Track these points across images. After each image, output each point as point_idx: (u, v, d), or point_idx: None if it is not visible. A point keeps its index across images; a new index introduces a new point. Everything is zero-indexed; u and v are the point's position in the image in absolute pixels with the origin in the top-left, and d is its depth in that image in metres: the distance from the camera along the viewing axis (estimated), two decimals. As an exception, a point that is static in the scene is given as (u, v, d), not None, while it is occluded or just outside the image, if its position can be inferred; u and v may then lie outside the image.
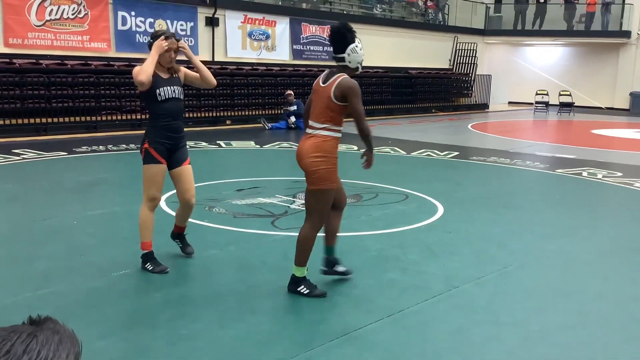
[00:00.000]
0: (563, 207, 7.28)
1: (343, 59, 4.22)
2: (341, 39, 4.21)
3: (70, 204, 6.64)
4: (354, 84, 4.14)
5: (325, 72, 4.29)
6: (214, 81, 4.75)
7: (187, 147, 4.84)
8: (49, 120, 12.31)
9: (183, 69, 4.74)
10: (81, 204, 6.59)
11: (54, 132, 12.11)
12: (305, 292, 4.14)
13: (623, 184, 8.70)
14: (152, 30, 14.68)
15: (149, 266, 4.55)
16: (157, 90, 4.47)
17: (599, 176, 9.26)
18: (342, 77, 4.14)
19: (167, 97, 4.50)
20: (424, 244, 5.54)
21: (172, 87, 4.53)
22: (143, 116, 13.84)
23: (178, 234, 5.01)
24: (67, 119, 12.57)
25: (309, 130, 4.19)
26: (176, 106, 4.57)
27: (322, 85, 4.17)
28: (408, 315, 3.93)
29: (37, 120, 12.17)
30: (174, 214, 6.20)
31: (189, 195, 4.72)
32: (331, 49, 4.31)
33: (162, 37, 4.51)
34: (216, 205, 6.65)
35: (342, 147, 12.29)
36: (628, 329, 3.89)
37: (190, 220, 6.00)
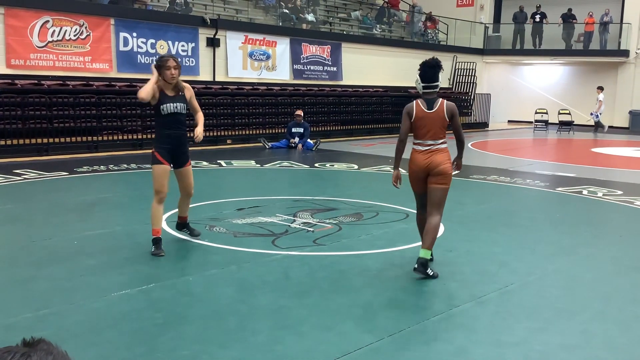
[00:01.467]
0: (564, 226, 7.27)
1: (437, 87, 5.34)
2: (438, 71, 5.34)
3: (70, 224, 6.64)
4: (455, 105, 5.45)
5: (419, 100, 5.31)
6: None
7: (187, 149, 5.71)
8: (51, 140, 12.36)
9: (190, 90, 5.65)
10: (82, 224, 6.59)
11: (55, 152, 12.15)
12: (432, 274, 4.98)
13: (623, 202, 8.70)
14: (153, 51, 14.82)
15: (152, 249, 5.42)
16: (162, 106, 5.39)
17: (599, 194, 9.26)
18: (446, 101, 5.34)
19: (169, 111, 5.42)
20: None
21: (175, 104, 5.44)
22: (144, 136, 13.92)
23: (183, 224, 5.95)
24: (68, 139, 12.63)
25: (428, 146, 5.25)
26: (177, 119, 5.48)
27: (430, 111, 5.25)
28: (409, 335, 3.91)
29: (39, 140, 12.22)
30: (174, 232, 6.21)
31: (189, 189, 5.80)
32: (421, 80, 5.34)
33: (167, 60, 5.41)
34: (217, 224, 6.65)
35: (342, 166, 12.32)
36: (631, 349, 3.87)
37: (190, 239, 6.01)
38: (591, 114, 22.81)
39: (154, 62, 5.53)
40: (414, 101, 5.33)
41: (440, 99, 5.29)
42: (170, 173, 5.65)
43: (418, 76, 5.34)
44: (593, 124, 22.69)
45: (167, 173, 5.55)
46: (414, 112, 5.26)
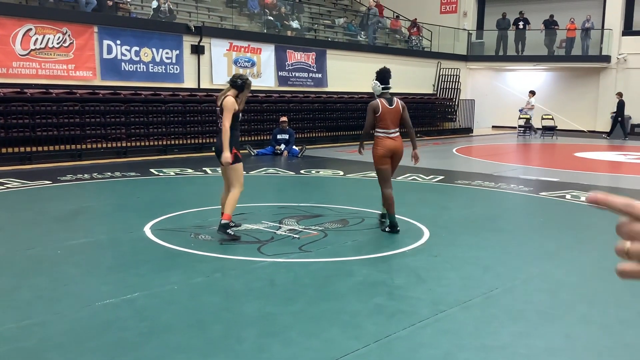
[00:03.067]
0: (547, 230, 7.33)
1: (389, 88, 6.87)
2: (390, 76, 6.87)
3: (54, 233, 6.58)
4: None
5: (382, 99, 6.75)
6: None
7: None
8: (34, 149, 12.26)
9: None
10: (65, 233, 6.54)
11: (38, 161, 12.05)
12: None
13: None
14: (137, 59, 14.75)
15: (228, 231, 6.27)
16: (239, 114, 6.46)
17: (582, 199, 9.35)
18: (399, 99, 6.85)
19: (239, 119, 6.53)
20: (410, 268, 5.54)
21: (240, 112, 6.52)
22: (128, 144, 13.85)
23: (224, 224, 6.37)
24: (51, 148, 12.53)
25: (394, 133, 6.83)
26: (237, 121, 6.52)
27: (391, 107, 6.75)
28: (395, 341, 3.92)
29: (22, 149, 12.12)
30: (159, 241, 6.18)
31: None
32: (376, 82, 6.90)
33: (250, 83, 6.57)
34: (202, 232, 6.63)
35: (328, 173, 12.34)
36: (614, 353, 3.91)
37: (175, 247, 5.99)
38: (521, 110, 23.20)
39: (236, 80, 6.39)
40: (378, 100, 6.74)
41: (395, 98, 6.77)
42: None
43: (376, 80, 6.83)
44: (526, 124, 23.06)
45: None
46: (380, 108, 6.68)
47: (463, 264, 5.71)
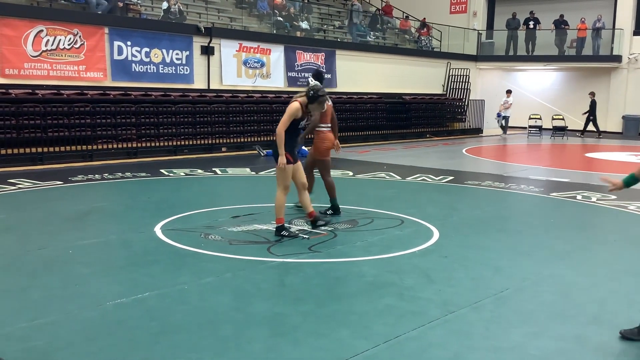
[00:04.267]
0: (558, 231, 7.30)
1: None
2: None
3: (65, 233, 6.63)
4: None
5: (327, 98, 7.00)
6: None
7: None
8: (45, 149, 12.35)
9: (329, 104, 7.22)
10: (76, 233, 6.58)
11: (49, 162, 12.13)
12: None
13: (617, 207, 8.74)
14: (147, 60, 14.82)
15: (284, 232, 6.45)
16: (302, 122, 6.56)
17: (593, 199, 9.30)
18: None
19: (302, 126, 6.65)
20: (420, 269, 5.53)
21: (304, 120, 6.66)
22: (139, 144, 13.92)
23: (314, 219, 6.86)
24: (63, 148, 12.62)
25: (329, 128, 7.62)
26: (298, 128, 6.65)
27: (329, 104, 7.42)
28: (405, 342, 3.92)
29: (33, 149, 12.21)
30: (169, 241, 6.21)
31: (303, 180, 6.72)
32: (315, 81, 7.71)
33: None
34: (212, 232, 6.65)
35: (337, 173, 12.31)
36: (625, 354, 3.88)
37: (185, 247, 6.02)
38: (498, 114, 23.39)
39: (310, 91, 6.46)
40: None
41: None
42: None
43: (317, 81, 7.66)
44: (500, 125, 23.28)
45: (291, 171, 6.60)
46: (326, 106, 7.29)
47: (473, 264, 5.70)
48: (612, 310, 4.61)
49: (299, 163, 6.62)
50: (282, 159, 6.33)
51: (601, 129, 24.35)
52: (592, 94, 23.11)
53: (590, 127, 22.99)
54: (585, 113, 23.16)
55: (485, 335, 4.07)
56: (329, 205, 7.77)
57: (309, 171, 7.73)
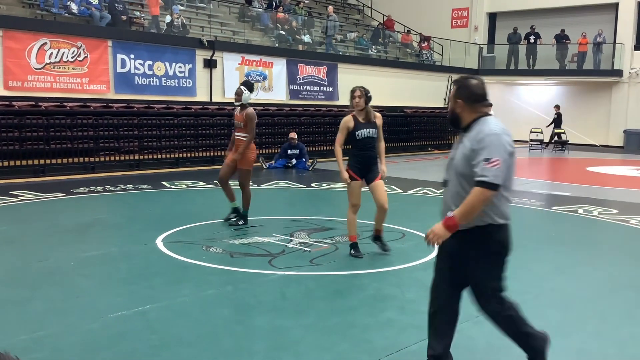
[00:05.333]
0: (560, 245, 7.29)
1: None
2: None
3: (67, 245, 6.63)
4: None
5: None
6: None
7: (376, 167, 6.36)
8: (48, 161, 12.38)
9: (381, 119, 6.43)
10: (78, 245, 6.59)
11: (52, 174, 12.16)
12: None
13: (619, 221, 8.73)
14: (150, 73, 14.90)
15: (352, 252, 6.30)
16: (357, 132, 6.21)
17: (595, 213, 9.30)
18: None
19: (363, 136, 6.22)
20: (422, 282, 5.52)
21: (367, 129, 6.23)
22: (141, 157, 13.96)
23: (376, 237, 6.50)
24: (65, 160, 12.65)
25: (245, 136, 7.80)
26: (368, 142, 6.25)
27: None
28: (406, 355, 3.91)
29: (36, 161, 12.24)
30: (170, 253, 6.21)
31: (382, 202, 6.30)
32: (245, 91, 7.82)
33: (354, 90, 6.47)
34: (213, 244, 6.65)
35: (339, 186, 12.25)
36: (627, 368, 3.87)
37: (187, 260, 6.01)
38: None
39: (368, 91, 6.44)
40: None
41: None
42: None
43: (248, 91, 7.73)
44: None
45: (360, 188, 6.31)
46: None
47: (474, 278, 5.68)
48: (613, 324, 4.60)
49: (378, 182, 6.28)
50: (342, 175, 6.21)
51: (603, 143, 24.38)
52: (557, 107, 23.49)
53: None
54: (548, 126, 23.32)
55: (487, 349, 4.06)
56: (232, 211, 7.86)
57: (226, 179, 7.85)
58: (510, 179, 3.28)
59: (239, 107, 7.82)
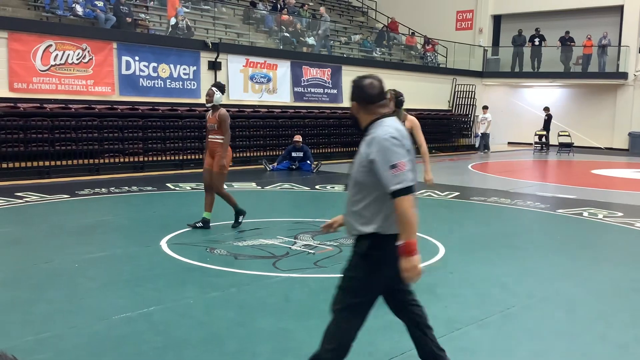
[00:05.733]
0: (564, 248, 7.27)
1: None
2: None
3: (71, 246, 6.65)
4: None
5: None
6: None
7: None
8: (52, 163, 12.41)
9: (410, 119, 6.27)
10: (82, 247, 6.60)
11: (57, 175, 12.19)
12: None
13: (624, 224, 8.70)
14: (155, 75, 14.93)
15: None
16: None
17: (600, 216, 9.27)
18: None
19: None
20: (426, 284, 5.50)
21: None
22: (145, 158, 13.98)
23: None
24: (70, 162, 12.68)
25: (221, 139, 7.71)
26: None
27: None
28: (409, 358, 3.90)
29: (41, 163, 12.27)
30: (175, 255, 6.22)
31: None
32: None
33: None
34: (217, 246, 6.66)
35: (342, 188, 12.22)
36: (632, 371, 3.85)
37: (191, 261, 6.02)
38: (476, 135, 22.83)
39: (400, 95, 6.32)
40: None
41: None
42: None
43: (220, 92, 7.64)
44: (477, 144, 22.58)
45: None
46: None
47: (479, 281, 5.68)
48: (618, 328, 4.58)
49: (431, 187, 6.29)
50: None
51: (608, 145, 24.32)
52: (547, 109, 23.49)
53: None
54: (542, 130, 23.35)
55: (492, 352, 4.05)
56: (235, 215, 7.76)
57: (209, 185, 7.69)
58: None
59: (211, 109, 7.76)
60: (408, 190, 2.92)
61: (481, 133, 22.46)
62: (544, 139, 22.92)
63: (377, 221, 3.00)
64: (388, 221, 3.00)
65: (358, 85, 3.17)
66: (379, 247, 3.04)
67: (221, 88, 7.77)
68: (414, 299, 3.40)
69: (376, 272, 3.07)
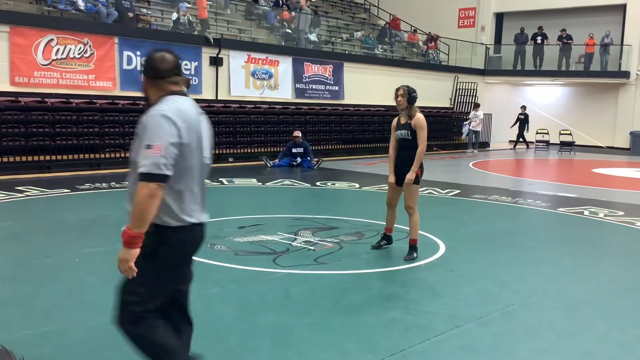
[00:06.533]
0: (565, 246, 7.26)
1: None
2: None
3: (72, 241, 6.64)
4: None
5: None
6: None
7: (407, 169, 6.23)
8: (53, 157, 12.41)
9: (417, 117, 6.30)
10: (83, 242, 6.60)
11: (57, 170, 12.19)
12: None
13: (625, 223, 8.69)
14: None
15: (414, 254, 6.21)
16: (396, 133, 6.38)
17: (601, 215, 9.26)
18: None
19: (399, 137, 6.34)
20: (426, 282, 5.51)
21: (401, 130, 6.31)
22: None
23: (386, 235, 6.63)
24: (71, 157, 12.67)
25: None
26: (403, 144, 6.32)
27: None
28: (410, 355, 3.90)
29: (41, 157, 12.26)
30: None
31: (407, 203, 6.32)
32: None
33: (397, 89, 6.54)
34: (218, 242, 6.65)
35: (344, 185, 12.26)
36: (633, 370, 3.85)
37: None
38: (467, 132, 22.11)
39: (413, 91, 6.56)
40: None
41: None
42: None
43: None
44: (468, 140, 21.93)
45: (393, 188, 6.46)
46: None
47: (479, 279, 5.68)
48: (619, 327, 4.57)
49: (403, 185, 6.23)
50: (411, 174, 6.14)
51: (609, 144, 24.28)
52: (523, 107, 23.58)
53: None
54: (512, 126, 23.46)
55: (492, 350, 4.05)
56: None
57: None
58: (188, 171, 2.82)
59: None
60: (153, 178, 2.62)
61: (473, 131, 21.65)
62: (521, 139, 23.09)
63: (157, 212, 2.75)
64: (168, 209, 2.79)
65: (148, 59, 2.94)
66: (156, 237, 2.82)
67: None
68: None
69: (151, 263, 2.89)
